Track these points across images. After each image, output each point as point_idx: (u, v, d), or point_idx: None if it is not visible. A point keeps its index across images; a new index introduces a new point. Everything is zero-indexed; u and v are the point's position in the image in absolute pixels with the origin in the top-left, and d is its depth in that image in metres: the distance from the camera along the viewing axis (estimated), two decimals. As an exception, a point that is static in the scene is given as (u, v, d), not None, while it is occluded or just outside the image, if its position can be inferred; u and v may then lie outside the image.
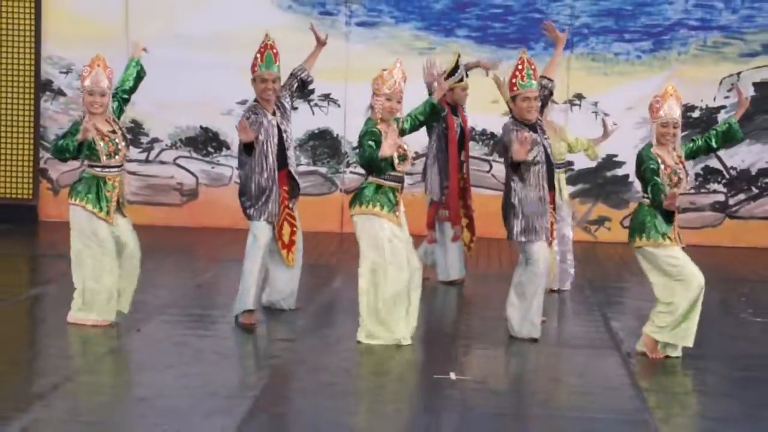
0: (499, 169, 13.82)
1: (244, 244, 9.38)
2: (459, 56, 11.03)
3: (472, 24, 14.00)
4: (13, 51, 13.79)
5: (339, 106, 13.99)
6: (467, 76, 11.07)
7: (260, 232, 9.27)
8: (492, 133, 13.64)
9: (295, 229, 9.60)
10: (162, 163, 14.12)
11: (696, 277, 8.41)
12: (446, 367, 8.12)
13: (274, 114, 9.44)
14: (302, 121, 13.89)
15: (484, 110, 13.70)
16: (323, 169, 14.06)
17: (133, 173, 14.07)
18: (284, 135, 9.40)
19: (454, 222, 11.00)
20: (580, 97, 13.93)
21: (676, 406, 7.55)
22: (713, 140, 8.69)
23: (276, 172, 9.27)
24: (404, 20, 14.01)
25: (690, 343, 8.48)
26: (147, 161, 14.11)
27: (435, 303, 10.60)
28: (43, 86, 13.90)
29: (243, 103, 13.99)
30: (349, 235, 13.94)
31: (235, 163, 14.09)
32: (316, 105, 14.04)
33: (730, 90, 13.92)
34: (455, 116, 10.93)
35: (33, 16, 13.76)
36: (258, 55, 9.46)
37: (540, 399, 7.74)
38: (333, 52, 13.98)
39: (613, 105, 13.99)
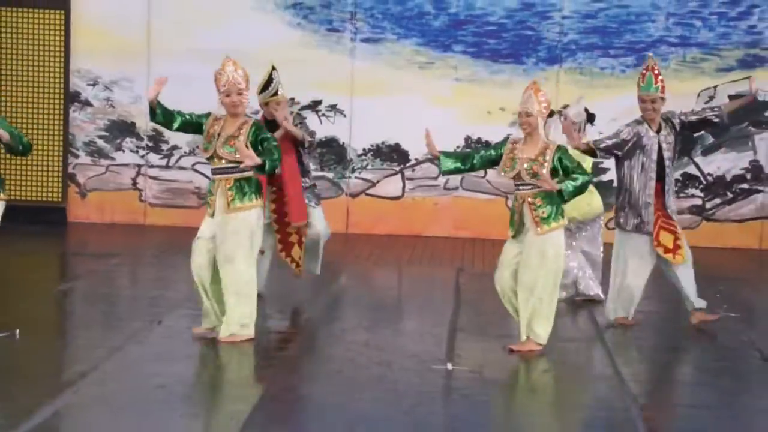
0: (492, 175, 13.86)
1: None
2: (273, 68, 9.85)
3: (468, 40, 14.01)
4: (45, 65, 13.81)
5: (345, 116, 14.01)
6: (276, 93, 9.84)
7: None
8: (487, 142, 13.65)
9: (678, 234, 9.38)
10: (181, 168, 14.14)
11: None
12: (444, 359, 8.14)
13: (657, 131, 9.44)
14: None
15: (481, 120, 13.75)
16: (330, 174, 14.08)
17: (155, 178, 14.10)
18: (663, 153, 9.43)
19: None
20: (567, 107, 13.92)
21: (656, 394, 7.58)
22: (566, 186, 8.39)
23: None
24: (405, 37, 14.03)
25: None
26: (167, 167, 14.13)
27: (433, 300, 10.61)
28: (71, 97, 13.92)
29: (255, 113, 14.02)
30: (353, 236, 14.00)
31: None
32: (323, 115, 14.06)
33: (707, 102, 13.95)
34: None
35: (63, 33, 13.78)
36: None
37: (530, 387, 7.76)
38: (339, 66, 14.02)
39: (599, 115, 13.90)
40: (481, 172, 13.89)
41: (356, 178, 14.06)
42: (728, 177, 14.16)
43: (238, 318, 8.30)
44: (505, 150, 8.42)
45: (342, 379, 7.64)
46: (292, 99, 14.00)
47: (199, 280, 8.43)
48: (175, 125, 8.42)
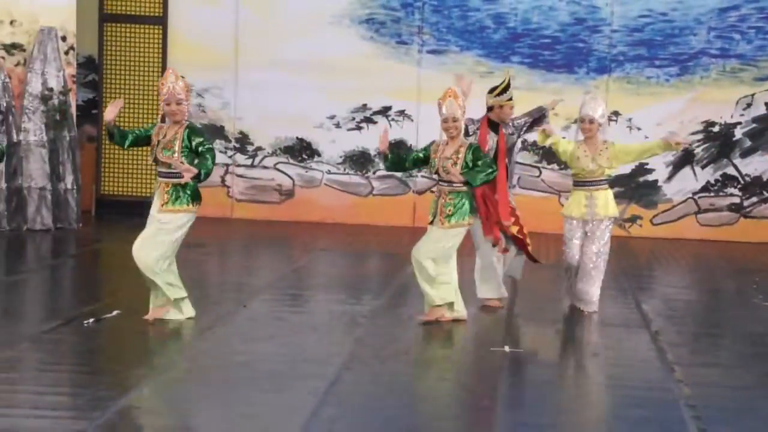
0: (547, 175, 13.77)
1: (333, 236, 9.39)
2: (510, 75, 9.88)
3: (525, 51, 13.93)
4: (145, 74, 13.93)
5: (412, 120, 13.99)
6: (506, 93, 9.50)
7: None
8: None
9: None
10: (264, 167, 14.20)
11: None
12: (502, 341, 8.10)
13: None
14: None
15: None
16: (398, 174, 14.06)
17: (241, 176, 14.17)
18: None
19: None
20: (616, 114, 13.81)
21: (697, 377, 7.48)
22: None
23: None
24: (468, 48, 13.97)
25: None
26: (252, 166, 14.20)
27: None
28: (167, 103, 14.03)
29: (332, 117, 14.06)
30: (419, 229, 13.96)
31: (325, 167, 14.19)
32: (393, 119, 14.05)
33: (745, 109, 13.77)
34: (495, 133, 9.31)
35: (161, 46, 13.90)
36: None
37: (581, 369, 7.69)
38: (407, 75, 14.00)
39: (645, 121, 13.88)
40: (536, 172, 13.81)
41: (422, 176, 14.03)
42: (764, 177, 13.96)
43: (172, 294, 8.27)
44: (432, 151, 8.59)
45: (408, 359, 7.62)
46: (364, 105, 14.02)
47: (144, 273, 8.28)
48: (127, 143, 8.30)
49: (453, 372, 7.37)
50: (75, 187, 12.75)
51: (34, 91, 12.46)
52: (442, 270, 8.51)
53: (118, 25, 13.88)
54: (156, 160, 8.21)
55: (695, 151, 13.94)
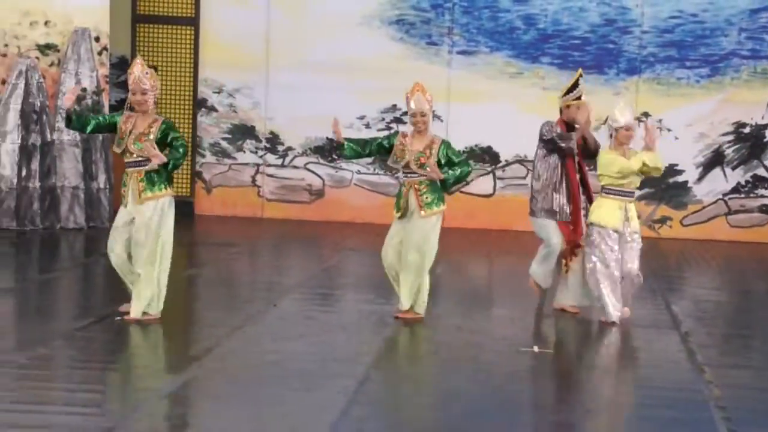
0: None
1: (362, 236, 9.38)
2: (581, 75, 9.25)
3: (555, 52, 13.88)
4: (177, 74, 13.99)
5: (442, 121, 13.97)
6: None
7: None
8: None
9: None
10: (295, 167, 14.23)
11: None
12: (531, 341, 8.07)
13: None
14: (411, 134, 13.93)
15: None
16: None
17: (271, 176, 14.20)
18: None
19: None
20: (646, 114, 13.74)
21: (728, 378, 7.43)
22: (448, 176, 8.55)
23: None
24: (497, 49, 13.94)
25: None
26: (282, 166, 14.23)
27: (521, 288, 10.53)
28: (199, 104, 14.08)
29: (361, 118, 14.06)
30: (449, 229, 13.93)
31: (355, 167, 14.19)
32: (423, 120, 14.02)
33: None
34: None
35: (192, 47, 13.95)
36: None
37: (610, 370, 7.66)
38: (437, 76, 13.98)
39: (675, 122, 13.80)
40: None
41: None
42: (795, 179, 13.86)
43: (146, 299, 8.14)
44: (396, 142, 8.59)
45: (438, 359, 7.61)
46: (394, 105, 14.01)
47: (118, 268, 8.19)
48: (89, 128, 8.17)
49: (482, 372, 7.35)
50: (107, 186, 12.81)
51: (67, 91, 12.52)
52: (430, 259, 8.57)
53: (151, 26, 13.94)
54: (124, 151, 8.08)
55: (726, 152, 13.85)
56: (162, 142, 8.06)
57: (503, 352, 7.88)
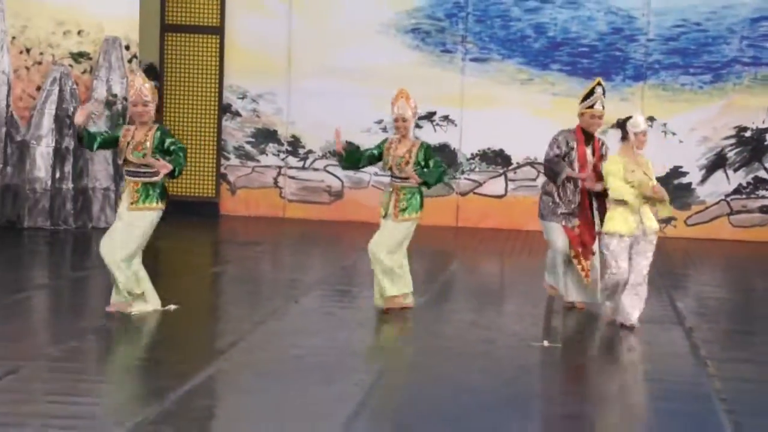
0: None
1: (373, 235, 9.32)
2: (599, 83, 8.89)
3: (564, 59, 13.85)
4: (203, 81, 14.01)
5: (456, 125, 13.96)
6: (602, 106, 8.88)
7: None
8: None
9: None
10: (315, 170, 14.22)
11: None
12: (541, 337, 8.05)
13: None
14: (426, 137, 13.88)
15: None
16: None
17: (293, 178, 14.21)
18: None
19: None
20: (651, 119, 13.69)
21: (730, 372, 7.39)
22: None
23: None
24: (509, 56, 13.91)
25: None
26: (304, 168, 14.23)
27: (532, 285, 10.50)
28: (224, 109, 14.10)
29: (379, 122, 14.05)
30: (462, 229, 13.95)
31: (372, 170, 14.17)
32: (437, 124, 14.02)
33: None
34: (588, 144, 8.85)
35: (218, 54, 13.96)
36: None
37: (617, 364, 7.63)
38: (451, 82, 13.97)
39: (679, 126, 13.76)
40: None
41: (465, 179, 13.99)
42: (795, 181, 13.79)
43: (125, 297, 8.13)
44: (384, 148, 8.67)
45: (451, 354, 7.59)
46: (411, 111, 14.00)
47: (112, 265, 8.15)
48: (96, 145, 8.18)
49: (494, 365, 7.33)
50: (137, 187, 12.84)
51: (99, 97, 12.57)
52: (398, 262, 8.56)
53: (178, 34, 13.96)
54: (125, 161, 8.09)
55: (728, 155, 13.79)
56: (160, 148, 8.02)
57: (514, 346, 7.86)
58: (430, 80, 13.84)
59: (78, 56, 12.63)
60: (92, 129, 8.35)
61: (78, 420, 5.82)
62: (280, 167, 14.21)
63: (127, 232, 8.09)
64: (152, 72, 13.97)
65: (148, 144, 8.02)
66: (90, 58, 12.65)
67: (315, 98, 13.93)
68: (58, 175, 12.40)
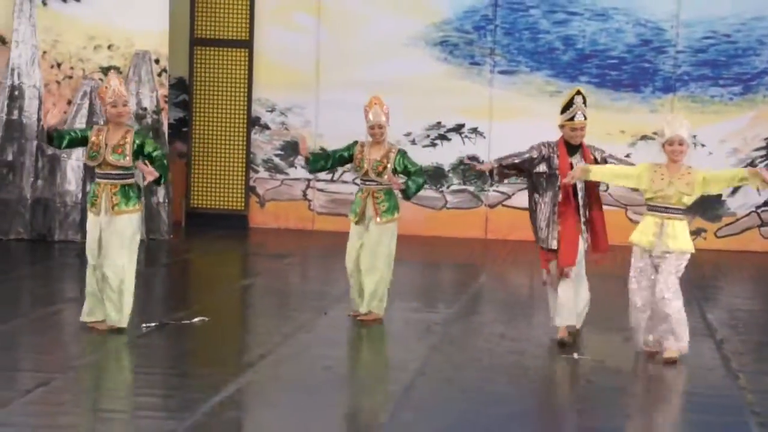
0: (614, 189, 13.61)
1: (408, 247, 9.33)
2: (578, 92, 8.37)
3: (593, 72, 13.81)
4: (232, 94, 14.07)
5: (484, 137, 13.94)
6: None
7: None
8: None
9: None
10: (344, 182, 14.23)
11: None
12: (571, 349, 8.01)
13: None
14: (455, 149, 13.91)
15: (603, 141, 13.55)
16: (471, 188, 14.02)
17: (321, 190, 14.22)
18: None
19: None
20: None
21: (762, 384, 7.33)
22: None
23: None
24: (537, 69, 13.89)
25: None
26: (332, 181, 14.24)
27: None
28: (253, 122, 14.15)
29: (407, 135, 14.06)
30: (491, 241, 13.92)
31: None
32: (466, 136, 14.01)
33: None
34: (574, 155, 8.34)
35: (246, 67, 14.02)
36: None
37: (648, 375, 7.58)
38: (479, 95, 13.95)
39: (709, 138, 13.67)
40: (603, 186, 13.61)
41: (494, 191, 13.97)
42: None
43: (123, 311, 7.96)
44: (355, 152, 8.77)
45: (480, 366, 7.57)
46: (438, 123, 14.01)
47: (94, 281, 8.04)
48: (64, 143, 8.02)
49: (523, 377, 7.31)
50: (166, 200, 12.91)
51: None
52: (374, 274, 8.60)
53: (208, 48, 14.03)
54: (102, 163, 7.89)
55: (758, 167, 13.69)
56: (140, 152, 7.88)
57: (544, 358, 7.83)
58: (459, 93, 13.83)
59: (108, 70, 12.72)
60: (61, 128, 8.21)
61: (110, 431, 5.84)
62: (308, 180, 14.23)
63: (119, 246, 7.89)
64: (181, 86, 14.05)
65: (127, 147, 7.85)
66: (120, 72, 12.74)
67: (343, 111, 13.94)
68: (88, 188, 12.49)
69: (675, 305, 7.67)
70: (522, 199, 13.90)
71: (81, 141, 8.06)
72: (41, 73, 12.33)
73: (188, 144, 13.99)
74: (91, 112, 12.41)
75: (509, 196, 13.94)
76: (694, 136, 13.59)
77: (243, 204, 14.19)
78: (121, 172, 7.93)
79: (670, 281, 7.65)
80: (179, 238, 13.13)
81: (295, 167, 14.20)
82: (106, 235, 7.95)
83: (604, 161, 8.33)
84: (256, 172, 14.23)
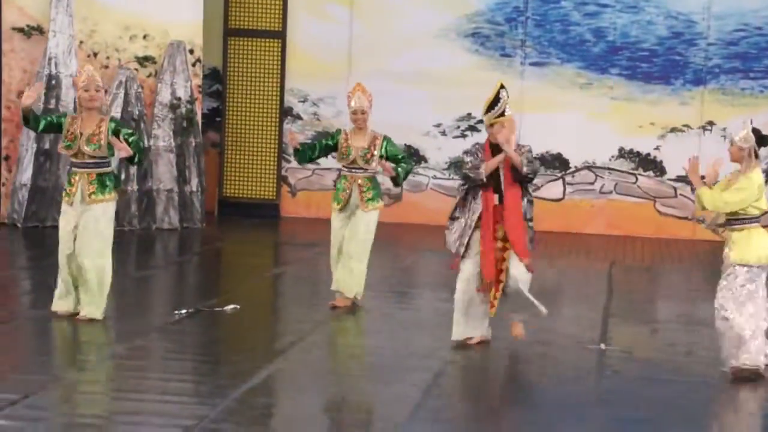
0: (642, 181, 13.57)
1: (437, 237, 9.37)
2: (502, 87, 7.83)
3: (623, 64, 13.75)
4: (265, 84, 14.12)
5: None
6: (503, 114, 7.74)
7: None
8: (638, 152, 13.41)
9: None
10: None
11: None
12: (598, 340, 8.02)
13: None
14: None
15: (633, 133, 13.53)
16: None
17: (352, 180, 14.24)
18: None
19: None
20: (711, 123, 13.56)
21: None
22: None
23: None
24: (568, 61, 13.85)
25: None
26: (363, 171, 14.26)
27: (589, 288, 10.46)
28: (285, 112, 14.20)
29: (438, 126, 14.07)
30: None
31: (431, 173, 14.19)
32: (496, 128, 13.98)
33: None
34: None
35: (279, 58, 14.06)
36: None
37: (674, 367, 7.57)
38: (510, 86, 13.77)
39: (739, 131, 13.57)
40: (632, 178, 13.61)
41: (524, 182, 13.94)
42: None
43: (101, 302, 7.92)
44: (340, 140, 8.80)
45: (507, 356, 7.59)
46: (469, 114, 14.00)
47: (68, 270, 7.94)
48: (40, 127, 7.91)
49: (552, 368, 7.32)
50: (200, 189, 12.99)
51: (163, 100, 12.74)
52: (363, 260, 8.76)
53: (241, 39, 14.09)
54: (77, 152, 7.83)
55: (789, 160, 13.61)
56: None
57: (571, 349, 7.84)
58: (489, 84, 13.71)
59: (143, 60, 12.80)
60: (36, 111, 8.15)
61: (143, 416, 5.92)
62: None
63: (95, 235, 7.87)
64: (215, 76, 14.12)
65: (102, 136, 7.79)
66: (155, 62, 12.82)
67: (375, 101, 13.95)
68: (123, 176, 12.58)
69: (730, 324, 7.15)
70: (550, 191, 13.93)
71: (57, 127, 7.98)
72: (78, 63, 12.43)
73: (221, 134, 14.06)
74: (127, 101, 12.50)
75: (538, 188, 13.89)
76: (724, 129, 13.51)
77: (275, 193, 14.25)
78: (98, 160, 7.90)
79: (724, 295, 7.19)
80: (212, 226, 13.20)
81: (327, 157, 14.22)
82: (81, 224, 7.88)
83: (529, 160, 7.69)
84: (288, 161, 14.28)
